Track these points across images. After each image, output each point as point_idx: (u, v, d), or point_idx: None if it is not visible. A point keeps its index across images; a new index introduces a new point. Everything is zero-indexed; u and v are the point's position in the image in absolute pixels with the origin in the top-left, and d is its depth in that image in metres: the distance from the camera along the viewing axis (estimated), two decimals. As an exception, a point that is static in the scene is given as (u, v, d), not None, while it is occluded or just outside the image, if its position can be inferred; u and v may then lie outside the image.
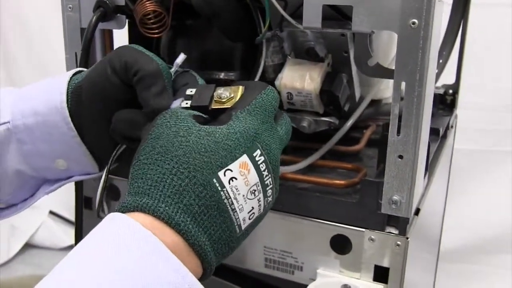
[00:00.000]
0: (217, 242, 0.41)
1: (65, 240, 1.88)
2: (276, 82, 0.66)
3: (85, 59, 0.66)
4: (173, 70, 0.53)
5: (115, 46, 0.75)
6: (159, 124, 0.44)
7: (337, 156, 0.76)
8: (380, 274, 0.61)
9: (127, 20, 0.69)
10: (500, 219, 1.61)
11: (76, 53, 0.71)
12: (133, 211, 0.40)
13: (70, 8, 0.70)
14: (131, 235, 0.37)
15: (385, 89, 0.85)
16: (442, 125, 0.86)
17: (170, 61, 0.76)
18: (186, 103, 0.48)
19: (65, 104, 0.52)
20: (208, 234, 0.40)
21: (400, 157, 0.57)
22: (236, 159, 0.42)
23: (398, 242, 0.59)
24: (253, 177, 0.43)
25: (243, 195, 0.42)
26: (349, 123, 0.66)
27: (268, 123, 0.46)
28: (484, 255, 1.64)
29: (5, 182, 0.57)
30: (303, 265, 0.65)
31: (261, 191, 0.44)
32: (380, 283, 0.61)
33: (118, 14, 0.68)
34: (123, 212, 0.40)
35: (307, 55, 0.66)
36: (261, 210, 0.45)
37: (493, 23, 1.45)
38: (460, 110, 1.03)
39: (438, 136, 0.83)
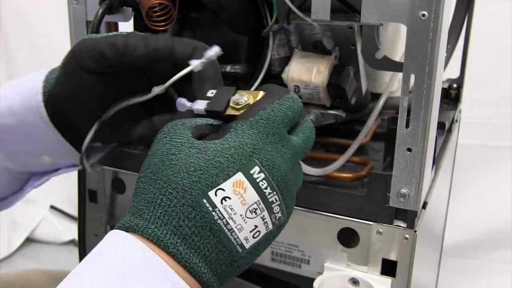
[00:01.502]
0: (215, 263, 0.39)
1: (66, 235, 1.88)
2: (283, 75, 0.66)
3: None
4: (201, 61, 0.48)
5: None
6: (157, 140, 0.43)
7: (342, 150, 0.75)
8: (388, 267, 0.61)
9: (133, 13, 0.69)
10: (501, 214, 1.61)
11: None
12: (126, 231, 0.39)
13: (75, 1, 0.70)
14: (137, 257, 0.38)
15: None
16: (448, 119, 0.86)
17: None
18: (205, 107, 0.46)
19: (41, 104, 0.51)
20: (202, 255, 0.39)
21: (409, 150, 0.56)
22: (229, 177, 0.39)
23: (406, 235, 0.59)
24: (251, 195, 0.40)
25: (241, 215, 0.40)
26: (372, 119, 0.65)
27: (275, 136, 0.42)
28: (485, 250, 1.64)
29: None
30: (310, 259, 0.65)
31: (264, 209, 0.41)
32: (387, 277, 0.61)
33: (124, 7, 0.68)
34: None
35: (314, 48, 0.66)
36: (270, 227, 0.42)
37: (494, 16, 1.44)
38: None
39: (444, 130, 0.83)
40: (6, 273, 0.82)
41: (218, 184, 0.39)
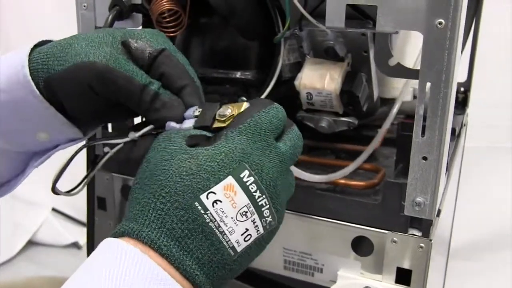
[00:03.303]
0: (207, 265, 0.41)
1: (68, 238, 1.88)
2: (296, 82, 0.65)
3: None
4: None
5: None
6: (152, 148, 0.45)
7: (352, 156, 0.75)
8: (402, 276, 0.61)
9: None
10: (503, 215, 1.61)
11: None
12: (121, 236, 0.40)
13: (84, 6, 0.69)
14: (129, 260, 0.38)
15: (399, 88, 0.84)
16: (457, 124, 0.86)
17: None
18: (193, 124, 0.48)
19: (29, 78, 0.49)
20: (195, 257, 0.40)
21: (424, 158, 0.56)
22: (220, 181, 0.41)
23: (422, 244, 0.59)
24: (242, 199, 0.42)
25: (232, 217, 0.41)
26: (386, 126, 0.66)
27: (263, 142, 0.44)
28: (487, 252, 1.64)
29: None
30: (323, 267, 0.65)
31: (255, 212, 0.42)
32: (402, 285, 0.61)
33: (134, 13, 0.67)
34: (115, 237, 0.41)
35: (326, 54, 0.66)
36: (261, 231, 0.43)
37: (495, 18, 1.44)
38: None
39: (455, 135, 0.82)
40: (10, 281, 0.81)
41: (210, 188, 0.41)
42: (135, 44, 0.51)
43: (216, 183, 0.41)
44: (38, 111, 0.51)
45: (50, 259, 1.80)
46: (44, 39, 0.56)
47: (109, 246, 0.40)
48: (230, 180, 0.41)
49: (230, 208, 0.41)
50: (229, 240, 0.41)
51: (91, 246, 0.76)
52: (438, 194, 0.57)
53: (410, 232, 0.60)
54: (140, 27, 0.69)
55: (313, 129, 0.71)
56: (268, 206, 0.43)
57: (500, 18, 1.42)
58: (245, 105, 0.47)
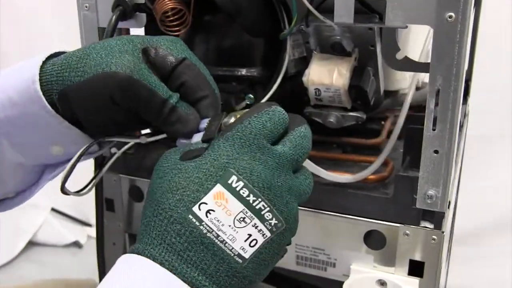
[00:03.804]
0: (216, 276, 0.40)
1: (69, 237, 1.88)
2: (304, 79, 0.65)
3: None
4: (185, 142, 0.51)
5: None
6: (154, 169, 0.45)
7: (358, 149, 0.75)
8: (415, 268, 0.61)
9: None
10: (501, 202, 1.62)
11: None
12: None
13: (86, 7, 0.68)
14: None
15: (402, 79, 0.84)
16: (462, 115, 0.86)
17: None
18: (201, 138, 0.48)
19: (40, 93, 0.48)
20: (200, 269, 0.40)
21: (436, 152, 0.56)
22: (209, 190, 0.41)
23: (434, 237, 0.59)
24: (235, 205, 0.41)
25: (229, 225, 0.41)
26: (402, 119, 0.66)
27: (253, 146, 0.43)
28: (488, 238, 1.66)
29: (8, 176, 0.55)
30: (335, 262, 0.65)
31: (254, 216, 0.41)
32: (415, 277, 0.61)
33: (137, 13, 0.66)
34: None
35: (333, 49, 0.66)
36: (267, 234, 0.42)
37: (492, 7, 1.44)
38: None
39: (460, 126, 0.82)
40: (18, 285, 0.81)
41: (200, 199, 0.41)
42: (155, 52, 0.49)
43: (206, 193, 0.41)
44: (51, 125, 0.50)
45: (51, 259, 1.80)
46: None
47: (125, 261, 0.42)
48: (218, 188, 0.41)
49: (225, 216, 0.41)
50: (233, 248, 0.41)
51: (100, 247, 0.75)
52: (449, 186, 0.58)
53: (422, 225, 0.60)
54: (144, 27, 0.69)
55: (318, 123, 0.71)
56: (268, 208, 0.42)
57: (499, 8, 1.42)
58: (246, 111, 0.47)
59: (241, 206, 0.41)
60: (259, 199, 0.41)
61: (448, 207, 0.64)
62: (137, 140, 0.53)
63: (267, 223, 0.42)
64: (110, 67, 0.47)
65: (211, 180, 0.41)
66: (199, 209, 0.40)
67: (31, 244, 1.86)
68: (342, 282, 0.63)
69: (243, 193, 0.41)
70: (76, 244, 1.89)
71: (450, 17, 0.52)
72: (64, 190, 0.52)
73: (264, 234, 0.42)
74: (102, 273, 0.76)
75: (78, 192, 0.56)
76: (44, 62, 0.50)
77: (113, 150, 0.67)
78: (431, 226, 0.60)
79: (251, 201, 0.41)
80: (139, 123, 0.51)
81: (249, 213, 0.41)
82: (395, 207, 0.61)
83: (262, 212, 0.42)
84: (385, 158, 0.64)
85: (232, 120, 0.47)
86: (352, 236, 0.63)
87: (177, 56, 0.50)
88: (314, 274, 0.66)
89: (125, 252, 0.78)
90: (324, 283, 0.67)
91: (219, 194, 0.41)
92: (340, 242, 0.64)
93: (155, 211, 0.41)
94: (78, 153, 0.50)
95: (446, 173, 0.57)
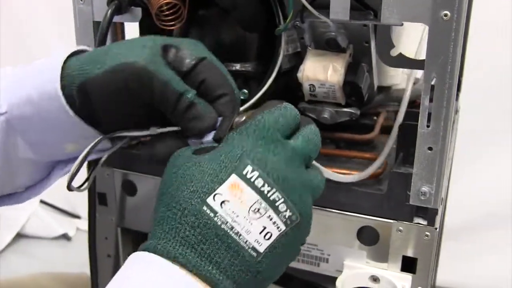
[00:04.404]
0: (230, 270, 0.40)
1: (57, 229, 1.87)
2: (298, 74, 0.65)
3: (101, 53, 0.64)
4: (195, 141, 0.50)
5: (126, 38, 0.74)
6: (167, 165, 0.45)
7: (351, 145, 0.76)
8: (408, 264, 0.62)
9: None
10: (493, 197, 1.63)
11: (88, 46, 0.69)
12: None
13: (81, 1, 0.68)
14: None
15: (395, 75, 0.84)
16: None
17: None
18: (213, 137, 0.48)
19: (60, 93, 0.49)
20: (214, 262, 0.40)
21: (430, 149, 0.57)
22: (224, 181, 0.41)
23: (427, 233, 0.60)
24: (250, 195, 0.41)
25: (244, 216, 0.41)
26: (402, 114, 0.66)
27: (267, 138, 0.43)
28: (478, 233, 1.67)
29: (19, 171, 0.55)
30: (329, 257, 0.65)
31: (268, 207, 0.41)
32: (408, 273, 0.62)
33: (133, 7, 0.66)
34: None
35: (327, 45, 0.66)
36: (282, 227, 0.42)
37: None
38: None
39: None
40: (14, 278, 0.81)
41: (214, 190, 0.41)
42: (176, 51, 0.50)
43: (220, 184, 0.41)
44: (68, 125, 0.50)
45: (40, 252, 1.79)
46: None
47: (136, 258, 0.41)
48: (233, 178, 0.41)
49: (240, 206, 0.41)
50: (247, 241, 0.41)
51: (92, 241, 0.75)
52: (442, 183, 0.58)
53: (415, 221, 0.61)
54: (139, 22, 0.69)
55: (311, 119, 0.71)
56: (282, 200, 0.42)
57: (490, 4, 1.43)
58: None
59: (256, 196, 0.41)
60: (274, 189, 0.41)
61: (441, 204, 0.64)
62: (148, 132, 0.51)
63: (281, 215, 0.42)
64: (128, 58, 0.48)
65: (226, 171, 0.41)
66: (214, 199, 0.40)
67: (19, 236, 1.85)
68: (335, 278, 0.64)
69: (258, 183, 0.41)
70: (65, 237, 1.88)
71: (446, 15, 0.52)
72: (70, 187, 0.52)
73: (279, 227, 0.42)
74: (94, 267, 0.75)
75: (79, 188, 0.56)
76: (67, 59, 0.51)
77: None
78: (424, 222, 0.60)
79: (265, 192, 0.41)
80: (157, 118, 0.51)
81: (264, 203, 0.41)
82: (388, 204, 0.61)
83: (277, 204, 0.41)
84: (381, 154, 0.64)
85: (244, 119, 0.47)
86: (346, 232, 0.64)
87: (197, 55, 0.50)
88: (307, 269, 0.67)
89: (117, 247, 0.79)
90: (317, 279, 0.68)
91: (234, 185, 0.41)
92: (333, 238, 0.64)
93: (169, 205, 0.41)
94: (87, 149, 0.49)
95: (439, 170, 0.57)
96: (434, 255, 0.61)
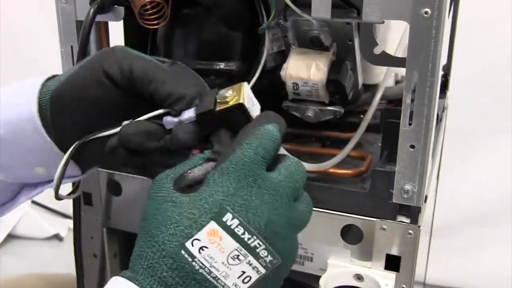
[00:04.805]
0: None
1: (49, 230, 1.86)
2: (282, 73, 0.65)
3: (83, 52, 0.64)
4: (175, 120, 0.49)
5: (111, 38, 0.73)
6: (148, 196, 0.44)
7: (337, 143, 0.75)
8: (392, 262, 0.62)
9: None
10: (485, 194, 1.64)
11: (72, 46, 0.69)
12: None
13: (64, 0, 0.68)
14: None
15: (381, 73, 0.84)
16: (440, 109, 0.87)
17: (167, 51, 0.75)
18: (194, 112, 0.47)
19: (37, 115, 0.49)
20: None
21: (412, 146, 0.56)
22: (203, 227, 0.40)
23: (410, 231, 0.60)
24: (229, 243, 0.40)
25: (222, 262, 0.40)
26: (371, 112, 0.67)
27: (249, 178, 0.42)
28: (468, 230, 1.67)
29: None
30: (313, 256, 0.65)
31: (248, 254, 0.40)
32: (391, 272, 0.62)
33: (116, 6, 0.66)
34: None
35: (311, 44, 0.66)
36: (262, 271, 0.41)
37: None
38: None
39: (437, 120, 0.83)
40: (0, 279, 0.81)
41: (193, 235, 0.40)
42: None
43: (199, 230, 0.40)
44: (40, 147, 0.51)
45: (31, 252, 1.79)
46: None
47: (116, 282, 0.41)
48: (212, 225, 0.40)
49: (218, 253, 0.40)
50: (225, 285, 0.40)
51: (78, 241, 0.75)
52: (425, 181, 0.58)
53: (398, 219, 0.60)
54: (122, 21, 0.68)
55: (296, 117, 0.71)
56: (263, 246, 0.40)
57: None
58: (244, 84, 0.46)
59: (235, 244, 0.40)
60: (254, 237, 0.40)
61: (425, 202, 0.64)
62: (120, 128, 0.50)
63: (261, 260, 0.41)
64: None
65: (205, 217, 0.40)
66: (192, 245, 0.40)
67: (10, 237, 1.84)
68: (319, 277, 0.63)
69: (238, 231, 0.40)
70: (57, 237, 1.87)
71: (426, 13, 0.52)
72: (58, 196, 0.53)
73: (259, 270, 0.41)
74: (80, 267, 0.75)
75: (69, 195, 0.56)
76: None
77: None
78: (408, 220, 0.60)
79: (246, 239, 0.40)
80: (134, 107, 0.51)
81: (244, 250, 0.40)
82: (372, 202, 0.61)
83: (257, 250, 0.40)
84: (352, 150, 0.65)
85: (230, 92, 0.45)
86: (329, 230, 0.63)
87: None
88: (292, 268, 0.66)
89: (103, 247, 0.79)
90: (301, 278, 0.67)
91: (213, 232, 0.40)
92: (317, 237, 0.64)
93: (149, 242, 0.41)
94: (65, 160, 0.50)
95: (422, 168, 0.57)
96: (417, 253, 0.61)
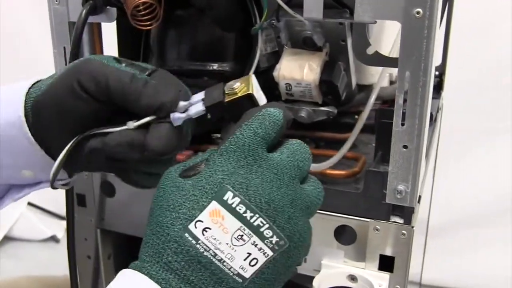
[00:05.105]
0: None
1: (46, 232, 1.86)
2: (274, 73, 0.65)
3: (76, 53, 0.63)
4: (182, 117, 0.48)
5: (104, 39, 0.73)
6: (157, 186, 0.44)
7: (331, 144, 0.75)
8: (385, 263, 0.62)
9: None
10: (480, 194, 1.64)
11: (64, 47, 0.69)
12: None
13: (56, 1, 0.67)
14: None
15: (375, 74, 0.84)
16: (434, 109, 0.87)
17: (160, 52, 0.75)
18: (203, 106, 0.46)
19: (23, 119, 0.49)
20: None
21: (405, 147, 0.56)
22: (205, 208, 0.40)
23: (404, 231, 0.60)
24: (232, 222, 0.40)
25: (227, 243, 0.39)
26: (366, 113, 0.66)
27: (249, 157, 0.41)
28: (464, 230, 1.68)
29: None
30: (307, 257, 0.65)
31: (252, 234, 0.40)
32: (385, 272, 0.62)
33: (108, 7, 0.66)
34: None
35: (304, 44, 0.66)
36: (269, 253, 0.40)
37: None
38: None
39: (432, 120, 0.83)
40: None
41: (196, 217, 0.40)
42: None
43: (201, 211, 0.40)
44: (27, 151, 0.51)
45: (28, 254, 1.78)
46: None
47: (124, 275, 0.41)
48: (214, 205, 0.40)
49: (222, 234, 0.39)
50: (232, 267, 0.40)
51: (71, 243, 0.74)
52: (418, 181, 0.58)
53: (392, 220, 0.60)
54: (115, 22, 0.68)
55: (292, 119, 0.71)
56: (267, 225, 0.40)
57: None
58: (252, 76, 0.47)
59: (238, 224, 0.40)
60: (257, 215, 0.40)
61: (418, 202, 0.64)
62: (124, 127, 0.50)
63: (267, 241, 0.40)
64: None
65: (206, 197, 0.40)
66: (195, 227, 0.39)
67: (7, 239, 1.84)
68: (313, 277, 0.63)
69: (240, 209, 0.40)
70: (54, 239, 1.87)
71: (418, 13, 0.52)
72: (54, 186, 0.53)
73: (266, 253, 0.40)
74: (73, 269, 0.75)
75: (65, 185, 0.56)
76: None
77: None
78: (401, 221, 0.60)
79: (248, 218, 0.40)
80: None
81: (247, 230, 0.40)
82: (365, 202, 0.61)
83: (261, 229, 0.40)
84: (350, 152, 0.65)
85: (238, 84, 0.45)
86: (323, 231, 0.63)
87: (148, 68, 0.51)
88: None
89: (97, 248, 0.79)
90: (295, 278, 0.67)
91: (215, 212, 0.40)
92: (311, 237, 0.64)
93: (154, 229, 0.41)
94: (66, 148, 0.49)
95: (415, 169, 0.57)
96: (411, 253, 0.61)
